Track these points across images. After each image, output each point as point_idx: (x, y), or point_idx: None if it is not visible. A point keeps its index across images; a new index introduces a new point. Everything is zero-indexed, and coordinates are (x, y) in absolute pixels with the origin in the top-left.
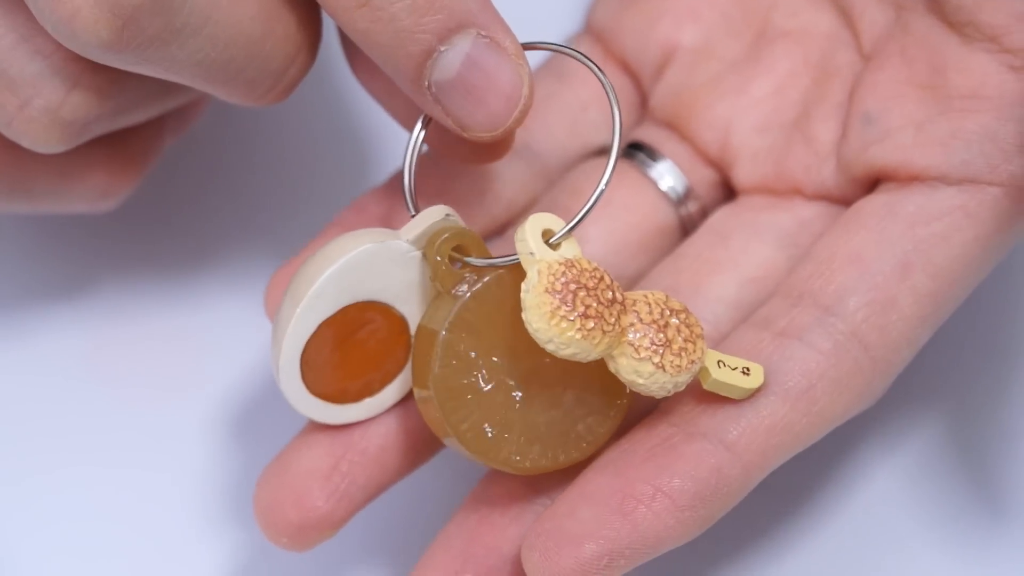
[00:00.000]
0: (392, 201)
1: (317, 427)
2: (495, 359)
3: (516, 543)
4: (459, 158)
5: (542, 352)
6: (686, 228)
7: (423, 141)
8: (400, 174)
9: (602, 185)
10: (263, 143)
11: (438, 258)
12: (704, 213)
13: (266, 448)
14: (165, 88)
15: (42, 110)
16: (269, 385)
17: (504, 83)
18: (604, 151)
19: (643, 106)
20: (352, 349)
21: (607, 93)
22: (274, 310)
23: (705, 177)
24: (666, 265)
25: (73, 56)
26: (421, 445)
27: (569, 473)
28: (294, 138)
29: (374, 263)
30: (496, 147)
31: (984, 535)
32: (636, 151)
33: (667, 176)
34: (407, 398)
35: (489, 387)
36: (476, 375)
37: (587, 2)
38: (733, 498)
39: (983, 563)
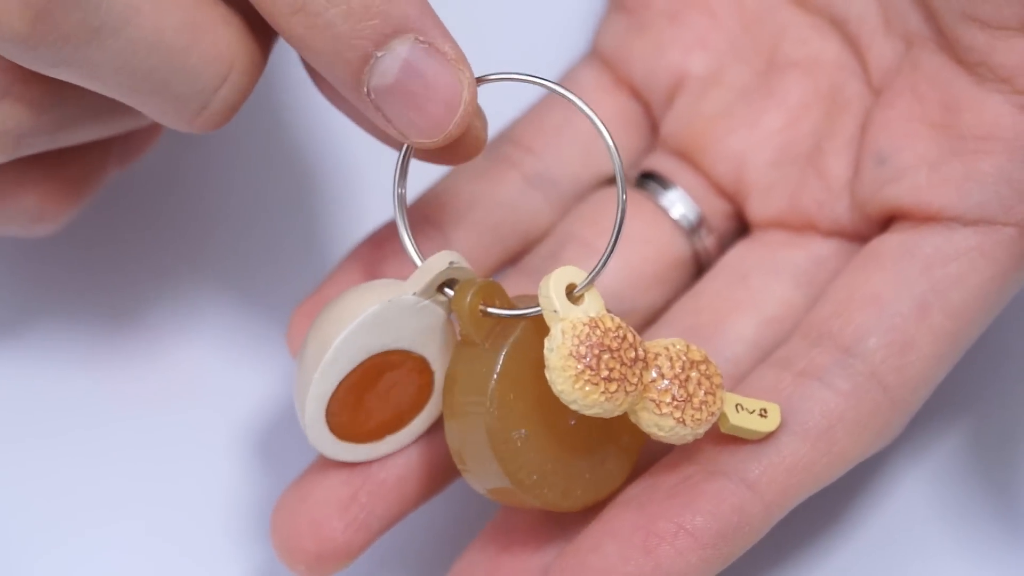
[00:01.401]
0: (388, 250)
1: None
2: (535, 405)
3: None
4: (433, 160)
5: None
6: (701, 261)
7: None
8: (409, 205)
9: (613, 238)
10: (254, 153)
11: (475, 308)
12: (719, 244)
13: (266, 466)
14: (106, 107)
15: None
16: (273, 405)
17: (443, 88)
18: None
19: (654, 132)
20: (376, 395)
21: (602, 134)
22: (297, 349)
23: (719, 208)
24: (685, 304)
25: (5, 65)
26: (437, 475)
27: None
28: (284, 153)
29: (384, 320)
30: (462, 151)
31: (1011, 545)
32: (648, 180)
33: (679, 204)
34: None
35: (533, 432)
36: (522, 422)
37: (592, 24)
38: (754, 536)
39: (1010, 573)
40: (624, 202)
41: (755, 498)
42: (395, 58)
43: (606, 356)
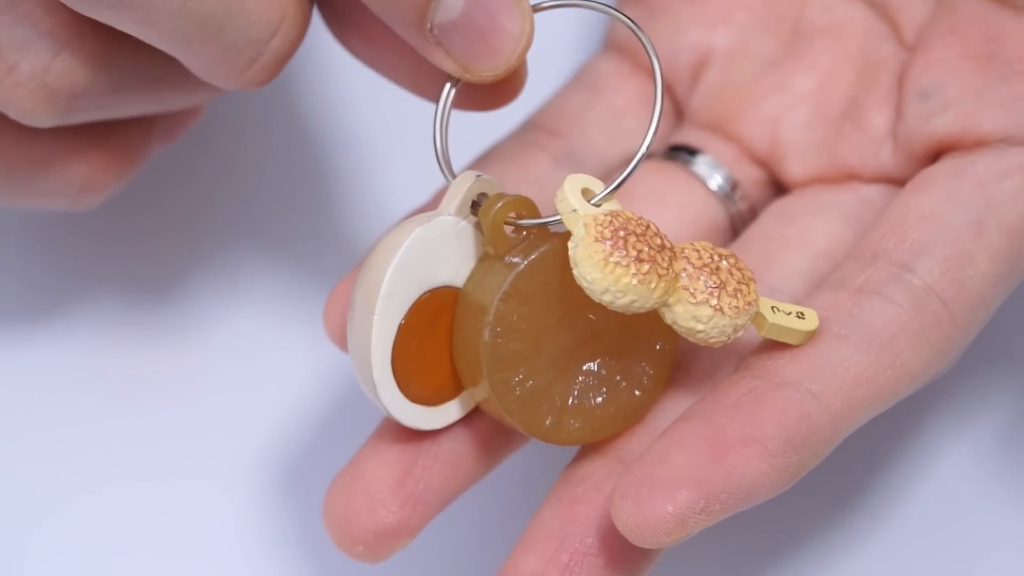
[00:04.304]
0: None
1: (386, 435)
2: (544, 331)
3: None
4: (474, 105)
5: (591, 327)
6: (736, 227)
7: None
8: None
9: (648, 139)
10: (271, 141)
11: (499, 220)
12: (753, 211)
13: (293, 457)
14: (156, 75)
15: (28, 75)
16: (284, 401)
17: (505, 19)
18: (645, 156)
19: (677, 116)
20: (436, 343)
21: (646, 48)
22: (335, 331)
23: (752, 176)
24: (732, 249)
25: (62, 22)
26: (493, 448)
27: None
28: (301, 136)
29: (429, 246)
30: (508, 89)
31: None
32: (678, 152)
33: (709, 170)
34: None
35: (536, 358)
36: (524, 345)
37: (603, 22)
38: (822, 448)
39: None
40: (661, 100)
41: (822, 408)
42: None
43: (632, 239)
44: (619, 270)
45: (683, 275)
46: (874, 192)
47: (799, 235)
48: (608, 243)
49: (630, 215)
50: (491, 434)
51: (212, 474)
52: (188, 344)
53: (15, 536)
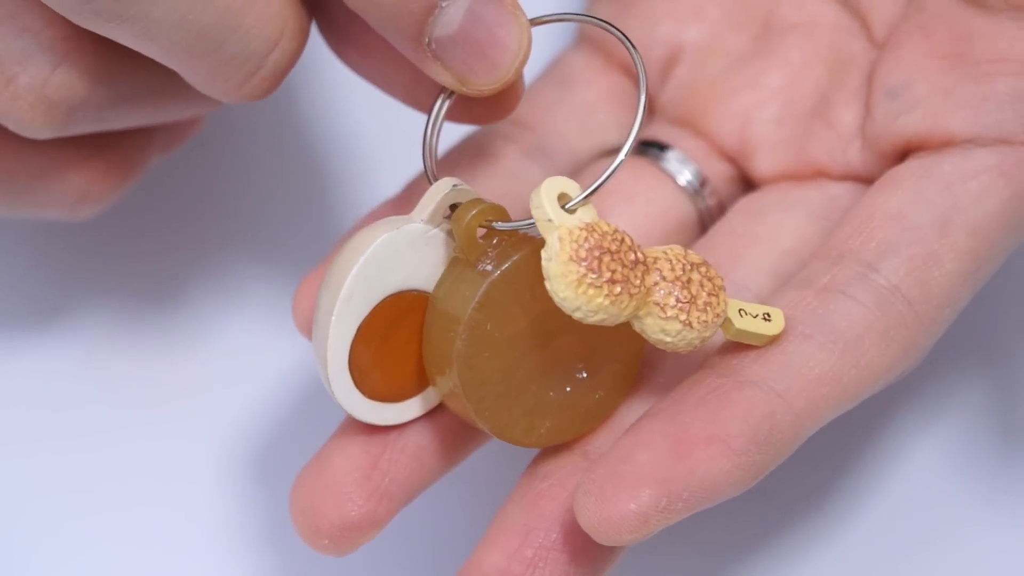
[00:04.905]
0: (406, 211)
1: (352, 428)
2: (515, 337)
3: None
4: (468, 118)
5: (560, 330)
6: (705, 223)
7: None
8: (411, 183)
9: (629, 144)
10: (266, 150)
11: (473, 228)
12: (722, 207)
13: (280, 455)
14: (154, 88)
15: (27, 87)
16: (274, 396)
17: (504, 34)
18: (616, 151)
19: (649, 109)
20: (398, 343)
21: (631, 54)
22: (303, 322)
23: (721, 171)
24: (700, 245)
25: (62, 35)
26: (458, 442)
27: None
28: (296, 145)
29: (395, 252)
30: (504, 103)
31: None
32: (648, 147)
33: (679, 166)
34: None
35: (507, 365)
36: (496, 353)
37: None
38: (786, 447)
39: None
40: (644, 105)
41: (785, 407)
42: (459, 7)
43: (607, 258)
44: (592, 291)
45: (655, 289)
46: (842, 190)
47: (767, 232)
48: (583, 264)
49: (606, 228)
50: (456, 429)
51: (210, 475)
52: (187, 352)
53: (15, 538)
